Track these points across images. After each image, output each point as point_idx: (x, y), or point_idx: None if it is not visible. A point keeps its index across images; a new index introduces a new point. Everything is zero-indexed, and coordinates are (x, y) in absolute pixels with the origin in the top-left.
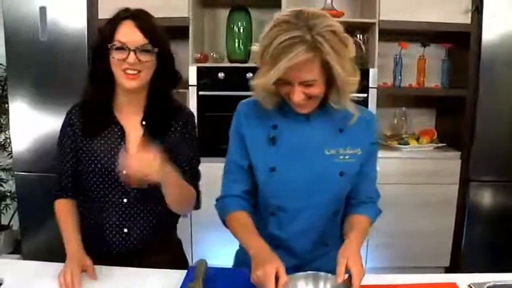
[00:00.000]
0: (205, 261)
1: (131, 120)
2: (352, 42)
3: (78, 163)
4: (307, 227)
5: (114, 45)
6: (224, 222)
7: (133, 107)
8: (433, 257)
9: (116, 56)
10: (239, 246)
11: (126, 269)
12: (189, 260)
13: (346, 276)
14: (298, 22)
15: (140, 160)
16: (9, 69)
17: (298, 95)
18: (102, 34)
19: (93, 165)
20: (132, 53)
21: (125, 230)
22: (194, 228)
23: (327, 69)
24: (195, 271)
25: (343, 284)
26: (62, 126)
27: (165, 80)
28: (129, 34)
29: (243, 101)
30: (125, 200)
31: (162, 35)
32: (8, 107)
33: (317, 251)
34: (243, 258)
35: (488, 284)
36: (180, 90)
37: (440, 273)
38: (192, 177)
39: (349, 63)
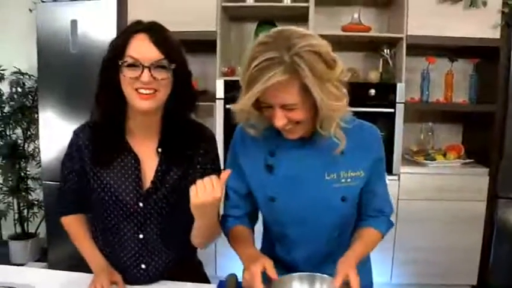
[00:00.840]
0: (236, 276)
1: (145, 147)
2: (341, 63)
3: (88, 188)
4: (312, 252)
5: (125, 61)
6: (228, 239)
7: (147, 132)
8: (460, 274)
9: (127, 74)
10: None
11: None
12: (213, 272)
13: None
14: (278, 42)
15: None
16: (40, 80)
17: (279, 119)
18: (112, 49)
19: (106, 197)
20: (146, 70)
21: (143, 266)
22: (219, 243)
23: (308, 93)
24: (227, 284)
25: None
26: (69, 146)
27: (182, 100)
28: (142, 49)
29: (240, 125)
30: (141, 236)
31: (178, 50)
32: (37, 117)
33: (327, 269)
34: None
35: None
36: (207, 103)
37: None
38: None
39: (334, 86)
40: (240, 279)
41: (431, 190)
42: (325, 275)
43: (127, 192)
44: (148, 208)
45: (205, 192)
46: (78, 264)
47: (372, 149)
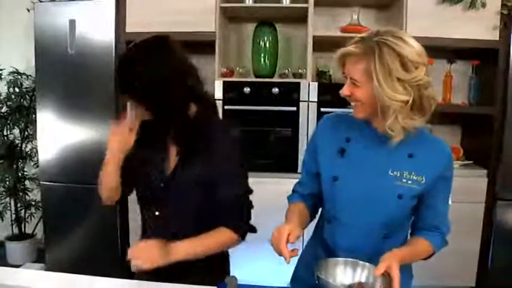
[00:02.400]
0: (236, 278)
1: (172, 149)
2: (422, 72)
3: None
4: (355, 243)
5: None
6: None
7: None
8: (458, 276)
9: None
10: (297, 261)
11: (146, 284)
12: None
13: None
14: (376, 31)
15: (141, 251)
16: (38, 80)
17: (344, 89)
18: None
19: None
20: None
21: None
22: None
23: (370, 78)
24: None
25: (381, 276)
26: None
27: (165, 117)
28: None
29: (327, 114)
30: (157, 213)
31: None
32: (35, 117)
33: None
34: (300, 278)
35: None
36: None
37: None
38: (236, 214)
39: (402, 87)
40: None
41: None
42: (367, 263)
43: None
44: (168, 190)
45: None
46: (76, 265)
47: (439, 163)
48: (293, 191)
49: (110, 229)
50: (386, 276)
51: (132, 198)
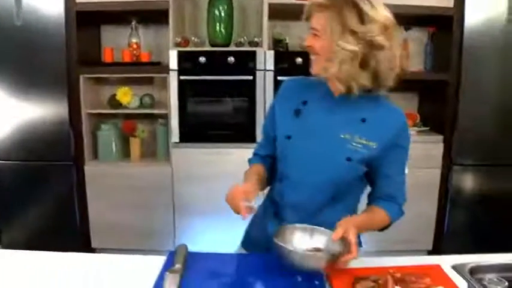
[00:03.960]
0: (186, 246)
1: None
2: (377, 29)
3: None
4: (302, 200)
5: None
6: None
7: None
8: (415, 241)
9: None
10: (248, 224)
11: (104, 256)
12: (172, 244)
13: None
14: None
15: None
16: None
17: (307, 39)
18: None
19: None
20: None
21: None
22: (177, 215)
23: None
24: (175, 256)
25: (338, 242)
26: None
27: None
28: None
29: (289, 77)
30: None
31: None
32: None
33: None
34: (252, 238)
35: (471, 265)
36: (161, 75)
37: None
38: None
39: (350, 33)
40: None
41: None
42: (324, 228)
43: None
44: None
45: None
46: (33, 244)
47: (392, 130)
48: (253, 153)
49: (67, 204)
50: (344, 241)
51: (90, 169)
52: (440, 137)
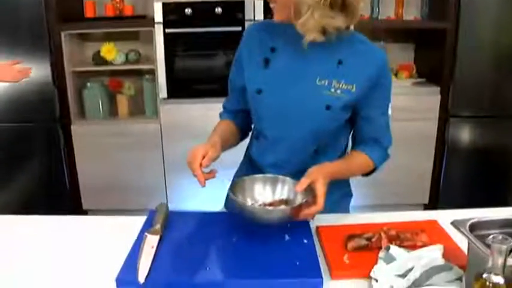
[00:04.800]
0: (166, 205)
1: None
2: None
3: None
4: (283, 159)
5: None
6: None
7: None
8: (411, 194)
9: None
10: (231, 183)
11: (84, 218)
12: None
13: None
14: None
15: None
16: None
17: None
18: None
19: None
20: None
21: None
22: (168, 173)
23: None
24: (155, 216)
25: (301, 192)
26: None
27: None
28: None
29: (253, 23)
30: None
31: None
32: None
33: None
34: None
35: (472, 221)
36: (147, 29)
37: (419, 210)
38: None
39: None
40: None
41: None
42: (289, 178)
43: None
44: None
45: None
46: (23, 207)
47: (372, 69)
48: (223, 107)
49: (56, 166)
50: (311, 191)
51: (77, 129)
52: (437, 88)
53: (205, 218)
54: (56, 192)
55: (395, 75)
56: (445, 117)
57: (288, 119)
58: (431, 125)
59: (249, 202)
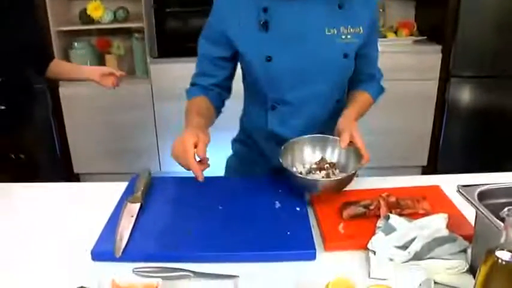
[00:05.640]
0: (149, 171)
1: None
2: None
3: None
4: (311, 121)
5: None
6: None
7: None
8: (409, 156)
9: None
10: (228, 159)
11: (68, 185)
12: (158, 168)
13: None
14: None
15: None
16: None
17: None
18: None
19: None
20: None
21: None
22: (160, 135)
23: None
24: (136, 182)
25: (349, 148)
26: None
27: None
28: None
29: None
30: None
31: None
32: None
33: None
34: (233, 165)
35: (481, 188)
36: None
37: (418, 172)
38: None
39: None
40: None
41: (382, 69)
42: (333, 137)
43: None
44: None
45: None
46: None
47: (370, 8)
48: (192, 84)
49: (45, 130)
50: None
51: (65, 91)
52: (438, 47)
53: (191, 184)
54: (46, 157)
55: (395, 32)
56: (445, 77)
57: (308, 78)
58: (431, 85)
59: (298, 167)
